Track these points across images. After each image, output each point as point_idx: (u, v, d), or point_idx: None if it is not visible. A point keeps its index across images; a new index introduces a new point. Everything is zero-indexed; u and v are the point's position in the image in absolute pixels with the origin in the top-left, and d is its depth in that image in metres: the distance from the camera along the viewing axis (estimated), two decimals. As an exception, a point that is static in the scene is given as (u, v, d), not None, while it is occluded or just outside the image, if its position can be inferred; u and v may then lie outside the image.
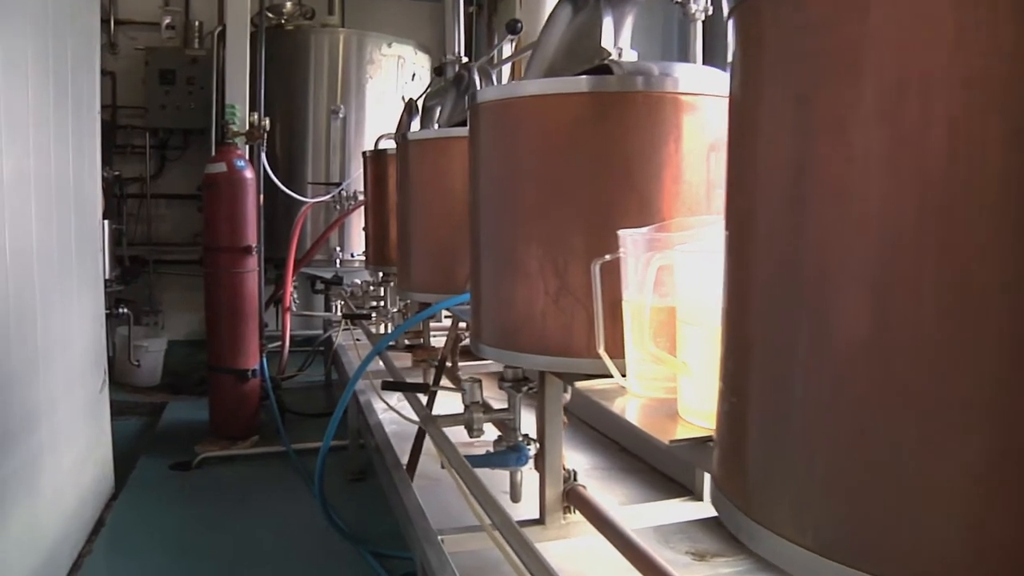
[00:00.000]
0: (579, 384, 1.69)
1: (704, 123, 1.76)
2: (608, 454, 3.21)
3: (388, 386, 2.43)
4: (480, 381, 2.16)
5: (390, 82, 6.02)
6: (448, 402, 2.91)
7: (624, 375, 1.63)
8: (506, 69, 4.29)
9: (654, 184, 1.73)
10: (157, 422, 5.11)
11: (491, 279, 1.91)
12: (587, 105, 1.72)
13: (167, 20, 6.70)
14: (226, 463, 4.31)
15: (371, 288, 4.47)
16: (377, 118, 5.96)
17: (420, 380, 3.21)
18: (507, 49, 4.05)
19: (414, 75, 6.07)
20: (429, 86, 4.30)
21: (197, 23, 6.68)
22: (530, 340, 1.81)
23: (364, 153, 4.31)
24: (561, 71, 1.94)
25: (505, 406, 2.16)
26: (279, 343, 5.71)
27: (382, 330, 4.81)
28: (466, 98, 3.17)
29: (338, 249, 5.77)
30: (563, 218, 1.75)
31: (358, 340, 4.62)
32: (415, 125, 4.16)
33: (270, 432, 4.64)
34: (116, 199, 6.57)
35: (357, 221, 5.89)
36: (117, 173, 6.42)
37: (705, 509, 2.31)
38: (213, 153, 4.90)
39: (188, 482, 4.07)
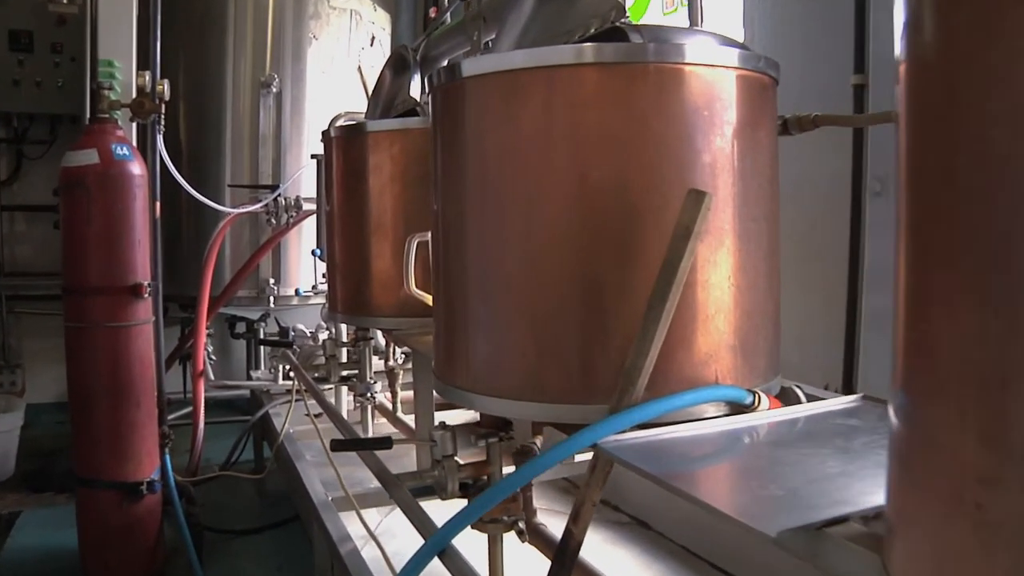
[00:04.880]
0: None
1: None
2: None
3: None
4: None
5: (340, 45, 4.36)
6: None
7: None
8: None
9: None
10: (0, 549, 3.34)
11: None
12: None
13: (20, -35, 4.87)
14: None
15: (338, 349, 2.82)
16: (323, 94, 4.30)
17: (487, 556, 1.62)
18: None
19: (373, 38, 4.44)
20: (432, 28, 2.71)
21: (65, -31, 4.89)
22: None
23: (326, 133, 2.69)
24: None
25: None
26: (187, 411, 4.00)
27: (342, 404, 3.19)
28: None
29: (271, 282, 4.07)
30: None
31: (316, 415, 2.98)
32: (416, 86, 2.58)
33: (180, 566, 2.97)
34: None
35: (296, 241, 4.23)
36: (-50, 177, 4.60)
37: None
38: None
39: None
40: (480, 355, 1.52)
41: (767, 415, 1.46)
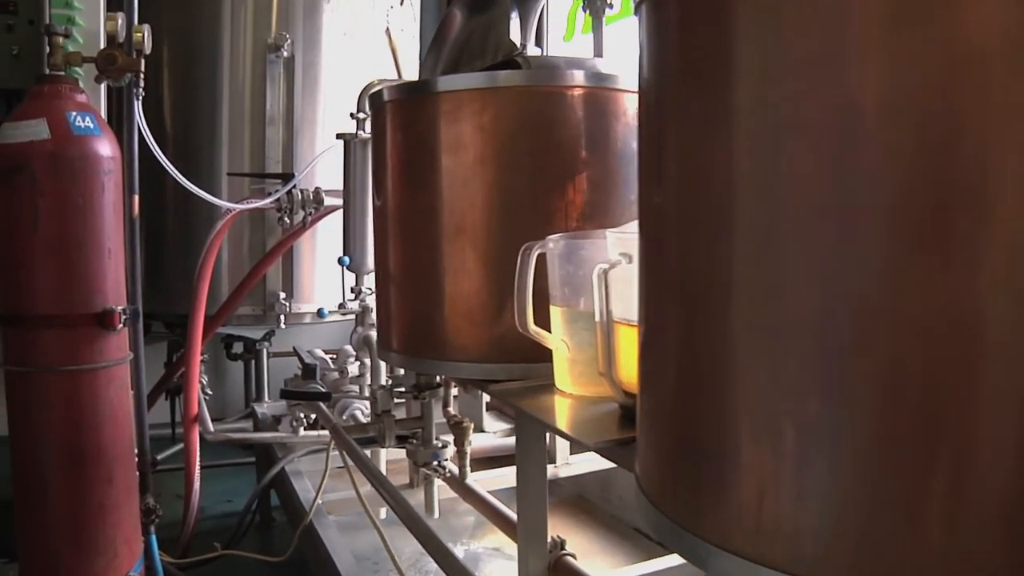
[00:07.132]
0: None
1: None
2: None
3: None
4: None
5: (364, 3, 3.56)
6: None
7: None
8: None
9: None
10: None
11: None
12: None
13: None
14: None
15: (392, 401, 2.03)
16: (344, 61, 3.49)
17: None
18: None
19: (403, -1, 3.65)
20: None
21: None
22: None
23: (376, 96, 1.88)
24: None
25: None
26: (175, 451, 3.22)
27: (380, 460, 2.42)
28: None
29: (282, 296, 3.27)
30: None
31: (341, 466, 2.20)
32: (515, 27, 1.81)
33: None
34: None
35: (310, 246, 3.43)
36: None
37: None
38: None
39: None
40: (785, 490, 0.74)
41: None
